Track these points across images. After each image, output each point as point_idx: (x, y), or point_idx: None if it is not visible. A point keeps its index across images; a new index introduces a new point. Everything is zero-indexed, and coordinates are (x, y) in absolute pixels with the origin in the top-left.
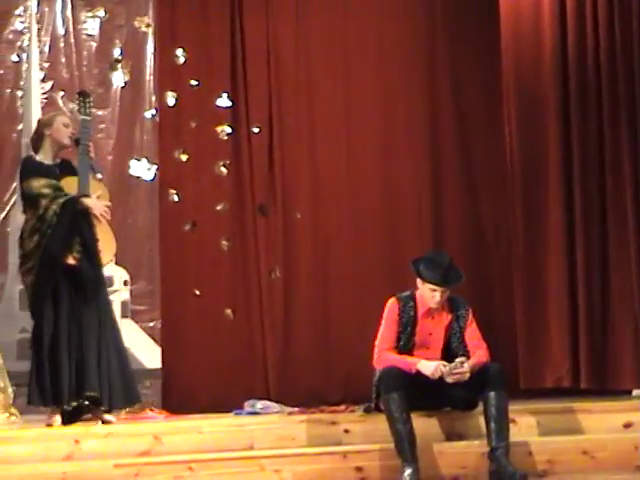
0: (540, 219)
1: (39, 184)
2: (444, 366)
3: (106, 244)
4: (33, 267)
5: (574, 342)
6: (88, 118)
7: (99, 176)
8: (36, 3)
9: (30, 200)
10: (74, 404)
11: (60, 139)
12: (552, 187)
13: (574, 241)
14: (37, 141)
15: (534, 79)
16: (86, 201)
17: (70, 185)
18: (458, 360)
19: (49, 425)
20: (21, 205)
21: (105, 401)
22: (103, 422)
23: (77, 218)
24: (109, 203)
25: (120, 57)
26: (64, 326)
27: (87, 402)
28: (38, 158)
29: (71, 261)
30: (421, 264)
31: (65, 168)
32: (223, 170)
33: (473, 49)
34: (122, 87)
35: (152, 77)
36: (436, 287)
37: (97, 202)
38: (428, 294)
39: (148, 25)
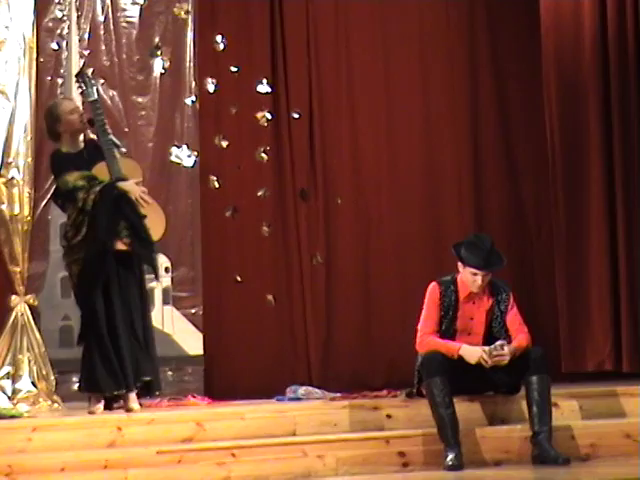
0: (581, 202)
1: (73, 177)
2: (484, 359)
3: (154, 221)
4: (79, 258)
5: (616, 325)
6: (95, 98)
7: (123, 150)
8: None
9: (68, 195)
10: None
11: (72, 128)
12: (593, 170)
13: (616, 224)
14: (55, 138)
15: (574, 61)
16: (122, 185)
17: (102, 171)
18: (498, 343)
19: (91, 412)
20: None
21: (157, 385)
22: (127, 410)
23: (118, 202)
24: (145, 189)
25: (160, 44)
26: (118, 313)
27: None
28: (64, 150)
29: (121, 247)
30: (462, 248)
31: (91, 149)
32: (263, 156)
33: (513, 34)
34: (162, 74)
35: (192, 64)
36: (477, 271)
37: (133, 185)
38: (469, 278)
39: (187, 12)
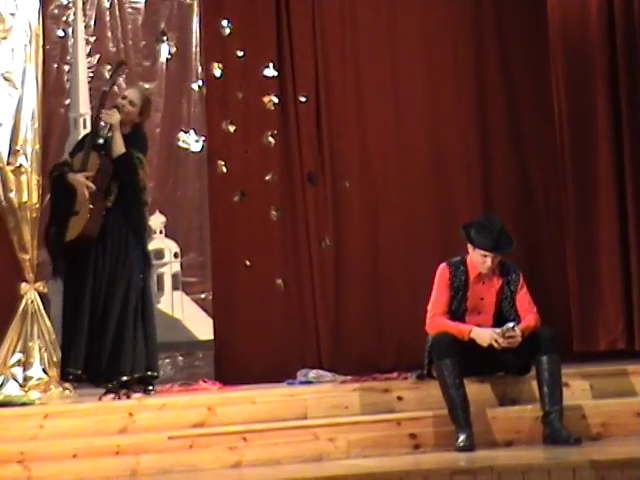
0: (590, 182)
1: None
2: (496, 340)
3: (79, 218)
4: None
5: (628, 303)
6: (106, 89)
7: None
8: None
9: None
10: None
11: (109, 121)
12: (602, 151)
13: (625, 204)
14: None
15: (581, 39)
16: (70, 177)
17: (77, 161)
18: (509, 325)
19: (101, 399)
20: None
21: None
22: (128, 397)
23: (60, 193)
24: (91, 186)
25: (166, 29)
26: (86, 306)
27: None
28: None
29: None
30: (472, 229)
31: (132, 136)
32: (271, 140)
33: (519, 11)
34: (168, 59)
35: (198, 49)
36: (487, 253)
37: (80, 178)
38: (479, 259)
39: None
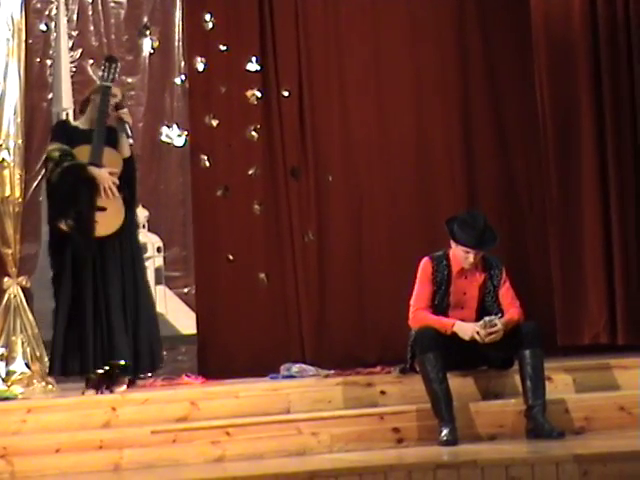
0: (573, 174)
1: (51, 148)
2: (478, 333)
3: (112, 215)
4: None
5: (611, 298)
6: (109, 84)
7: (130, 141)
8: None
9: (44, 164)
10: (100, 372)
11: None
12: (585, 147)
13: (608, 195)
14: (82, 105)
15: (564, 37)
16: (93, 170)
17: (82, 153)
18: (487, 319)
19: (84, 393)
20: None
21: (132, 368)
22: (112, 392)
23: (77, 185)
24: (116, 181)
25: (148, 24)
26: (88, 294)
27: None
28: (74, 123)
29: (63, 227)
30: (455, 225)
31: (108, 134)
32: (254, 134)
33: (503, 9)
34: (151, 54)
35: (181, 43)
36: (469, 249)
37: (105, 174)
38: (461, 255)
39: None
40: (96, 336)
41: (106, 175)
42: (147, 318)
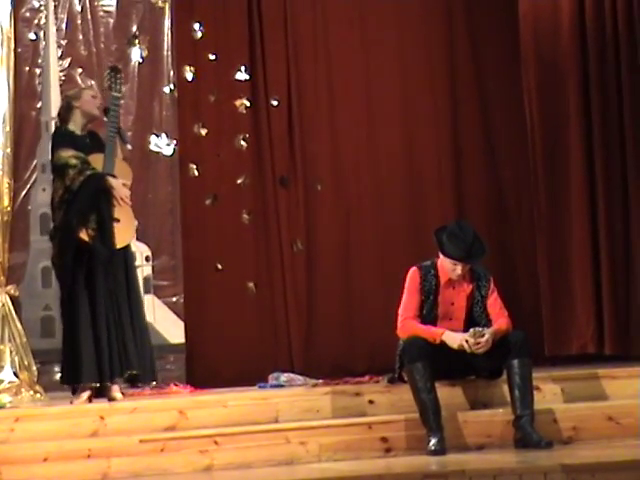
0: (562, 183)
1: (67, 154)
2: (467, 342)
3: (125, 227)
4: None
5: (598, 307)
6: (119, 95)
7: (129, 147)
8: None
9: (58, 170)
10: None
11: (90, 110)
12: (573, 154)
13: (596, 205)
14: (66, 113)
15: (553, 44)
16: (111, 180)
17: (97, 162)
18: (475, 330)
19: (72, 402)
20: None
21: (146, 377)
22: (110, 399)
23: (99, 194)
24: (128, 192)
25: (137, 33)
26: (100, 303)
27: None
28: (70, 128)
29: (84, 237)
30: (444, 236)
31: (94, 140)
32: (243, 144)
33: (492, 14)
34: (140, 63)
35: (170, 52)
36: (457, 262)
37: (121, 185)
38: (449, 266)
39: (165, 0)
40: (111, 347)
41: (121, 186)
42: (145, 329)
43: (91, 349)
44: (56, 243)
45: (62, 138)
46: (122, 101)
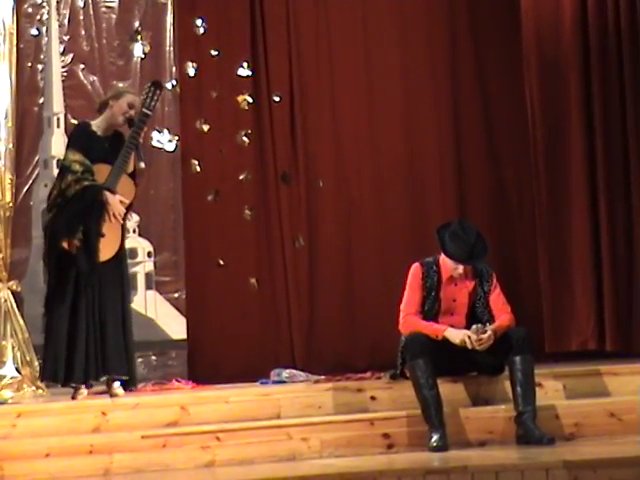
0: (563, 183)
1: (74, 158)
2: (469, 337)
3: (110, 241)
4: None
5: (599, 305)
6: (149, 113)
7: (142, 165)
8: None
9: (60, 170)
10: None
11: (117, 115)
12: (574, 151)
13: (598, 203)
14: (100, 108)
15: (555, 42)
16: (108, 195)
17: (101, 173)
18: (478, 326)
19: (74, 398)
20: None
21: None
22: (112, 396)
23: (91, 207)
24: (123, 210)
25: (140, 28)
26: (82, 307)
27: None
28: (93, 127)
29: (65, 246)
30: (446, 236)
31: (115, 143)
32: (245, 140)
33: (493, 13)
34: (142, 58)
35: (172, 48)
36: (459, 264)
37: (117, 202)
38: (451, 265)
39: None
40: (89, 350)
41: (117, 203)
42: (125, 335)
43: (63, 351)
44: (45, 244)
45: (77, 137)
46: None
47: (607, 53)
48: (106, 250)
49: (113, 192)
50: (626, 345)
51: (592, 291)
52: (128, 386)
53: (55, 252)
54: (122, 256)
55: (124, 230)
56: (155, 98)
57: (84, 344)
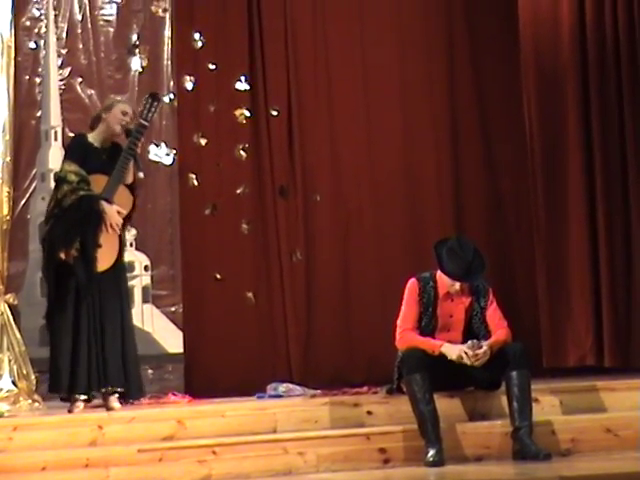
0: (561, 194)
1: (69, 168)
2: (465, 353)
3: (107, 251)
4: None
5: (597, 319)
6: (146, 124)
7: (141, 175)
8: None
9: (56, 181)
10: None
11: (113, 125)
12: (572, 164)
13: (596, 216)
14: (94, 122)
15: (553, 53)
16: (104, 205)
17: (97, 183)
18: (474, 342)
19: (70, 411)
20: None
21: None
22: (108, 409)
23: (88, 217)
24: (120, 220)
25: (137, 42)
26: (84, 316)
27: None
28: (90, 139)
29: (62, 256)
30: (443, 252)
31: (114, 152)
32: (242, 153)
33: (491, 24)
34: (140, 72)
35: (170, 62)
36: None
37: (114, 212)
38: (448, 282)
39: (165, 10)
40: (90, 361)
41: (115, 213)
42: (131, 344)
43: (67, 362)
44: (43, 256)
45: (74, 149)
46: (147, 130)
47: (605, 65)
48: (104, 261)
49: (110, 202)
50: (624, 360)
51: (590, 305)
52: (126, 399)
53: (53, 263)
54: (121, 268)
55: (122, 241)
56: (152, 110)
57: (87, 355)
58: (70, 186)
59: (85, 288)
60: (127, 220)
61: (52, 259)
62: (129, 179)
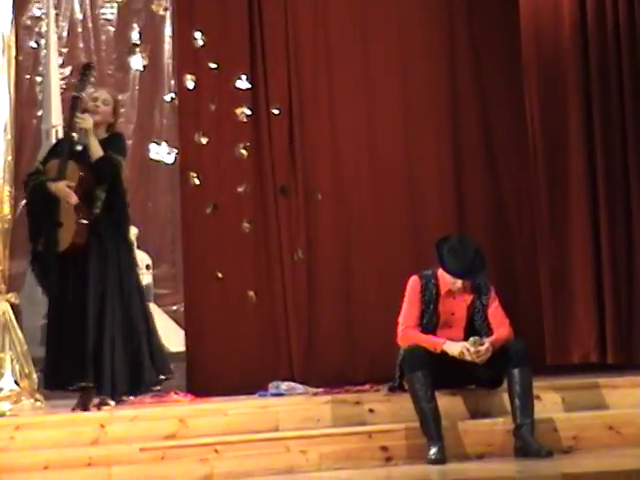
0: (563, 194)
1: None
2: (467, 350)
3: (66, 229)
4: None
5: (600, 316)
6: (77, 95)
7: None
8: None
9: None
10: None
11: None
12: (574, 165)
13: (598, 215)
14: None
15: (554, 54)
16: (51, 186)
17: (52, 169)
18: (475, 339)
19: (74, 410)
20: None
21: (105, 389)
22: (100, 404)
23: (43, 203)
24: (71, 193)
25: (138, 41)
26: (67, 312)
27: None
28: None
29: (39, 247)
30: (445, 250)
31: (110, 140)
32: (243, 152)
33: (493, 25)
34: (141, 71)
35: (171, 61)
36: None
37: (63, 187)
38: (449, 279)
39: (166, 9)
40: (71, 355)
41: (64, 189)
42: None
43: (51, 357)
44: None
45: (52, 148)
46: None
47: (607, 67)
48: (66, 238)
49: (61, 178)
50: (627, 358)
51: (593, 304)
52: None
53: (36, 261)
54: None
55: (80, 217)
56: (85, 80)
57: (70, 346)
58: (27, 182)
59: (54, 272)
60: (80, 191)
61: (33, 255)
62: (98, 153)
